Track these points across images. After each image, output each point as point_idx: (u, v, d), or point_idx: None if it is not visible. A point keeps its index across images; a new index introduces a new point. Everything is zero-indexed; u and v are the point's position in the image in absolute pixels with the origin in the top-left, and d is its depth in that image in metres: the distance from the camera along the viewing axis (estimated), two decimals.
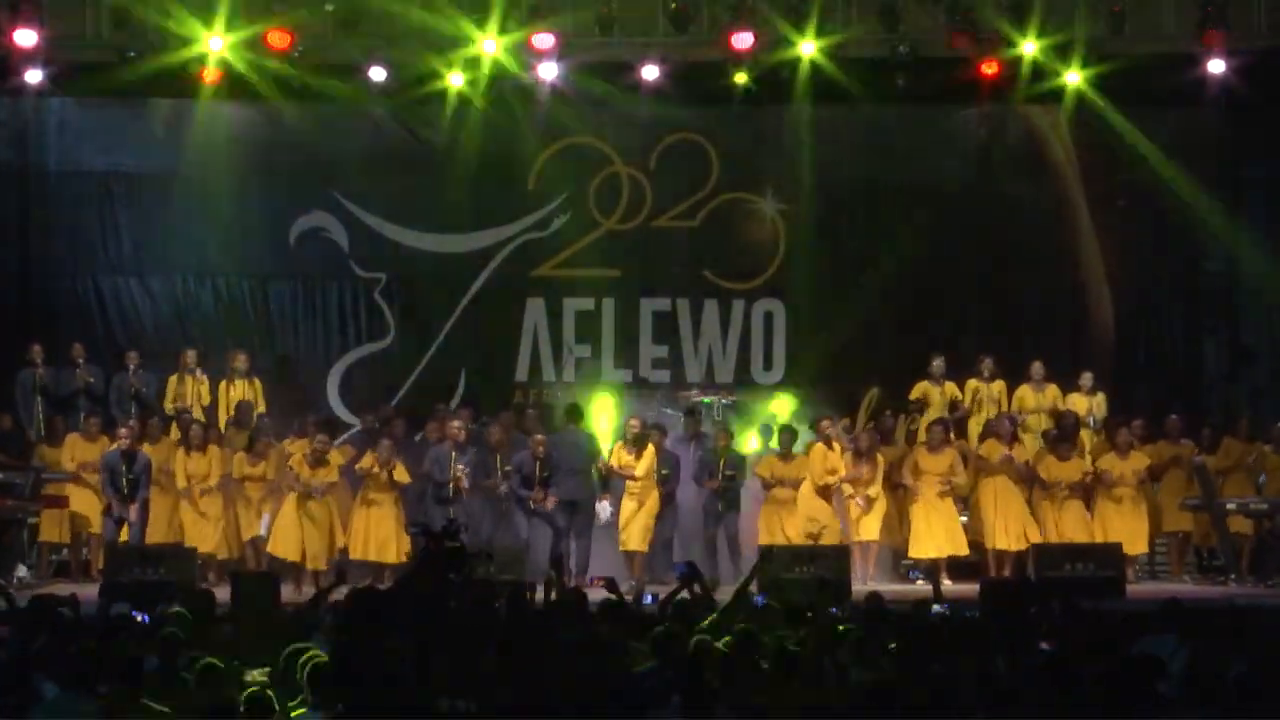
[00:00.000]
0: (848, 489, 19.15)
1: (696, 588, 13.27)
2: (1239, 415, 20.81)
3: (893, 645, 10.60)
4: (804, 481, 19.06)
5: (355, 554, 19.04)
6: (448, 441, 19.13)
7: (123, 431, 18.76)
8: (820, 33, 20.34)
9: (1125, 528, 19.22)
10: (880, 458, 19.38)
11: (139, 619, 12.42)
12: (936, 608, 12.76)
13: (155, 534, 19.01)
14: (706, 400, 20.49)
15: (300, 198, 22.13)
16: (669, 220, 22.26)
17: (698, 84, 21.20)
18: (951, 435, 19.70)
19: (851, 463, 19.22)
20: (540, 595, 13.68)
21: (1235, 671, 9.08)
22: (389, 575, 18.62)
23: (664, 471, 19.15)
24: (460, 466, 18.84)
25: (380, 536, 19.09)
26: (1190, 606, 12.50)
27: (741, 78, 20.88)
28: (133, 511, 18.40)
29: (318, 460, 18.76)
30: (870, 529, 19.18)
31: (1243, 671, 9.05)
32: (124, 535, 18.45)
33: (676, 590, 13.32)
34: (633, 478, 18.87)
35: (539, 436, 19.13)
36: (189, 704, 9.06)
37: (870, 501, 19.12)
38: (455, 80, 20.93)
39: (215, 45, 20.19)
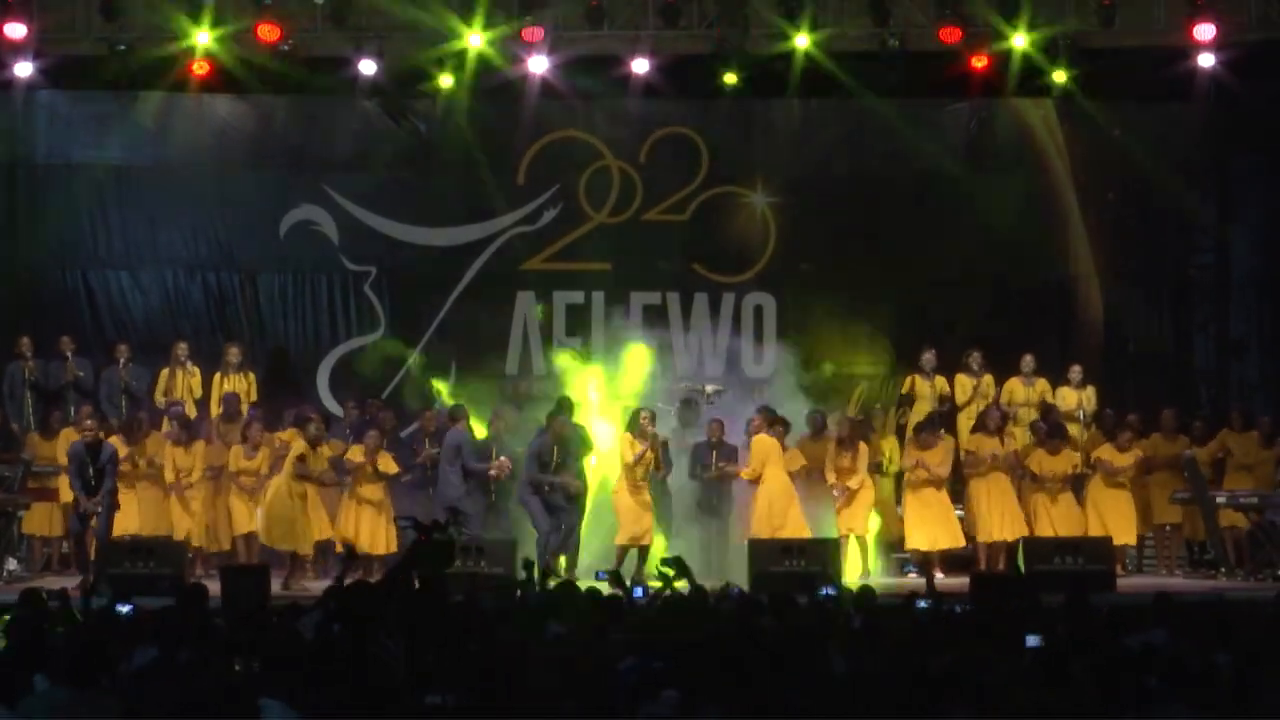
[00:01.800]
0: (830, 479, 19.16)
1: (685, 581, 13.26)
2: (1230, 407, 20.89)
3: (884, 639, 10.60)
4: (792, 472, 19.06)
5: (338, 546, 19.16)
6: (462, 422, 19.15)
7: (88, 423, 18.58)
8: (810, 26, 20.34)
9: (1116, 518, 19.30)
10: (864, 447, 19.37)
11: (124, 611, 12.39)
12: (921, 603, 12.75)
13: (143, 526, 19.04)
14: (703, 389, 20.38)
15: (290, 191, 22.11)
16: (659, 214, 22.25)
17: (688, 77, 21.19)
18: (941, 430, 19.74)
19: (834, 452, 19.24)
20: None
21: (1224, 666, 9.10)
22: (378, 567, 18.66)
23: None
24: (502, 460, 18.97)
25: (370, 528, 19.14)
26: (1179, 600, 12.50)
27: (731, 78, 20.88)
28: (95, 503, 18.21)
29: (315, 445, 18.81)
30: (856, 521, 19.15)
31: (1231, 665, 9.07)
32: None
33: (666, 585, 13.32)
34: (657, 468, 18.79)
35: (562, 418, 19.13)
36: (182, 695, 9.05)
37: (851, 492, 19.11)
38: (444, 74, 20.93)
39: (204, 38, 20.16)
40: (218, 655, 9.78)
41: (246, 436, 19.31)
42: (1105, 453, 19.57)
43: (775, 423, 19.30)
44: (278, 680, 8.86)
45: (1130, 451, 19.53)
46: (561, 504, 18.80)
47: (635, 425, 18.75)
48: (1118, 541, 19.16)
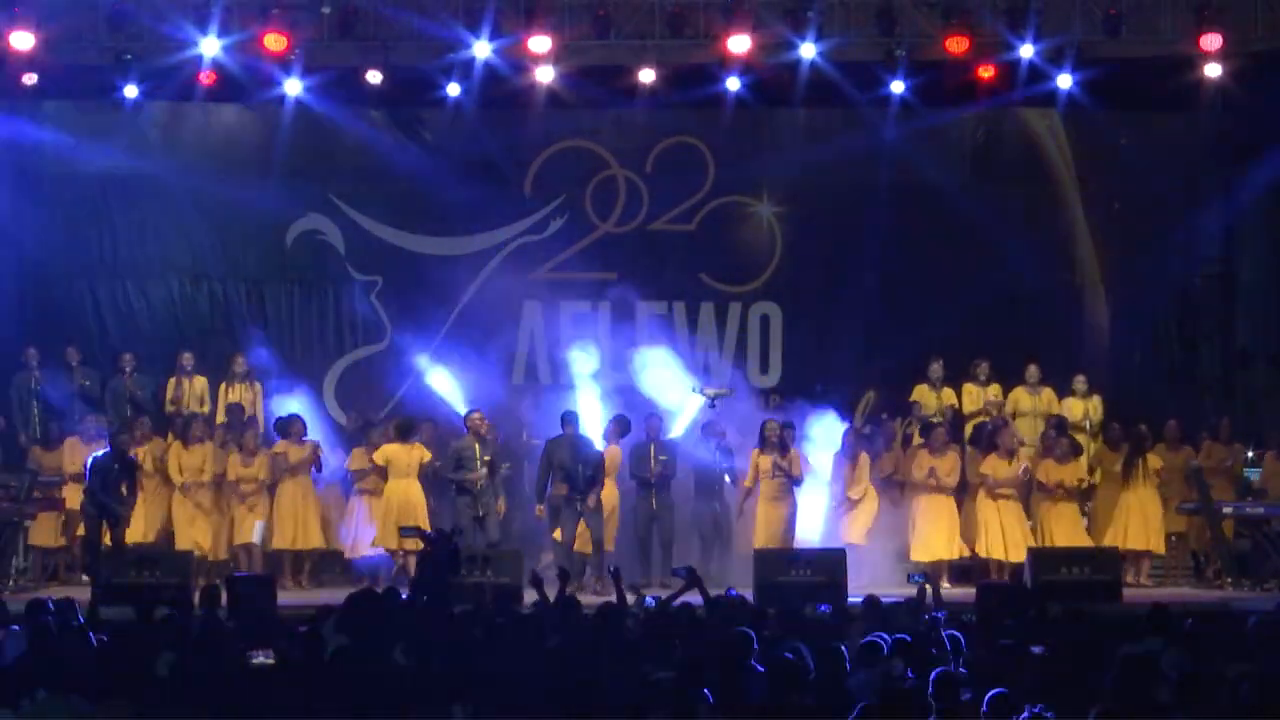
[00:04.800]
0: (843, 492, 19.15)
1: (697, 591, 13.30)
2: (1223, 417, 20.88)
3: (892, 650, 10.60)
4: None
5: (346, 551, 19.28)
6: (469, 435, 19.11)
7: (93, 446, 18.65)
8: (817, 36, 20.32)
9: (1155, 524, 19.44)
10: (864, 457, 19.36)
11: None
12: (933, 614, 12.74)
13: (148, 532, 19.03)
14: (709, 393, 20.29)
15: (296, 200, 22.12)
16: (665, 223, 22.28)
17: (694, 87, 21.18)
18: (950, 440, 19.72)
19: (837, 462, 19.27)
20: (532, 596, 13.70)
21: (1231, 676, 9.09)
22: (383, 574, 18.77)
23: (663, 458, 19.18)
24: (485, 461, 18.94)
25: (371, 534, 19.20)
26: (1176, 611, 12.49)
27: (734, 84, 20.88)
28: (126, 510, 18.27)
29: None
30: (856, 531, 19.14)
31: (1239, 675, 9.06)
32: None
33: (677, 594, 13.34)
34: (790, 476, 18.91)
35: (586, 436, 19.18)
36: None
37: (852, 502, 19.10)
38: (451, 83, 20.93)
39: (211, 48, 20.16)
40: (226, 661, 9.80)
41: (243, 445, 19.34)
42: (1158, 460, 19.63)
43: (625, 433, 19.35)
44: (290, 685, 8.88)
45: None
46: (591, 518, 18.82)
47: (768, 440, 18.95)
48: (1150, 548, 19.38)
